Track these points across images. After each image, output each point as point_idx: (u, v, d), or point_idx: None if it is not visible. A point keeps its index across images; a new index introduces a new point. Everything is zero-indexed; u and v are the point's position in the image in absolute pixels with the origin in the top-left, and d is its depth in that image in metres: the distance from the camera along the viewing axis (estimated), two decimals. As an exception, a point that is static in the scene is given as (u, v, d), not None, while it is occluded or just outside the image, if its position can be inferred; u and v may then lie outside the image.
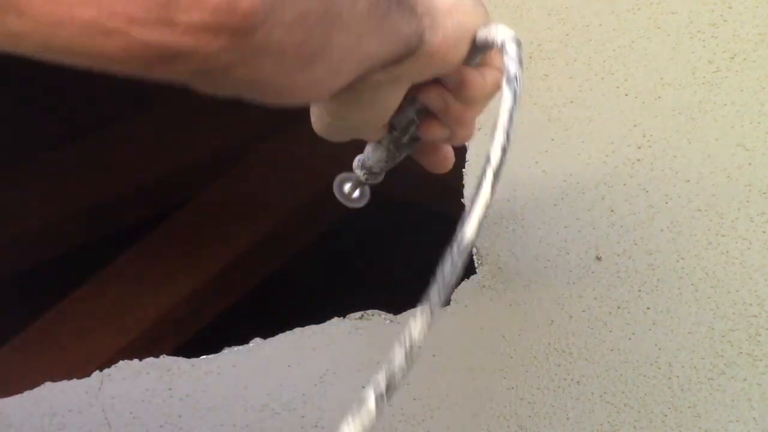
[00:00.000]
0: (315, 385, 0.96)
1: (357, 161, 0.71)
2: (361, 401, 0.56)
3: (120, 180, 2.13)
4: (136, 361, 1.01)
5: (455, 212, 0.99)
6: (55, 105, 2.20)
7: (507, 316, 0.93)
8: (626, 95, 0.97)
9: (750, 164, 0.91)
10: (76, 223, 2.11)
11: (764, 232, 0.89)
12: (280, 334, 1.00)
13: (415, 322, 0.57)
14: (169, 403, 1.00)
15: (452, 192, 1.00)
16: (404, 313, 0.95)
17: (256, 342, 1.01)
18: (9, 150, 2.09)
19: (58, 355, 1.89)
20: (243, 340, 1.01)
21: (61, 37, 0.44)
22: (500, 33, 0.64)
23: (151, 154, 2.15)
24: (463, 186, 0.98)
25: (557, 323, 0.92)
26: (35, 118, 2.19)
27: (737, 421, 0.85)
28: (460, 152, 1.01)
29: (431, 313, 0.57)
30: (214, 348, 1.02)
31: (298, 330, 1.00)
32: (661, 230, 0.92)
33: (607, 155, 0.95)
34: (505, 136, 0.64)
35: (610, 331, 0.90)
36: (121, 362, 1.02)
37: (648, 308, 0.90)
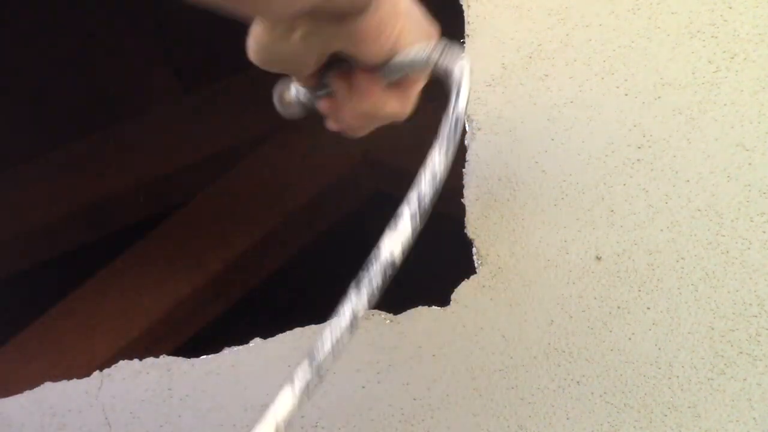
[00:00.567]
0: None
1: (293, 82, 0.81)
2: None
3: (120, 180, 2.13)
4: (136, 361, 1.01)
5: (455, 212, 0.99)
6: (55, 105, 2.20)
7: (507, 316, 0.93)
8: (626, 95, 0.97)
9: (750, 164, 0.91)
10: (76, 223, 2.11)
11: (764, 232, 0.89)
12: (280, 334, 1.00)
13: None
14: (169, 403, 1.00)
15: (452, 192, 1.00)
16: (404, 313, 0.95)
17: (256, 342, 1.01)
18: (9, 150, 2.09)
19: (58, 355, 1.90)
20: (243, 340, 1.01)
21: None
22: (453, 59, 0.67)
23: (151, 154, 2.15)
24: (463, 186, 0.98)
25: (557, 323, 0.92)
26: (35, 118, 2.20)
27: (737, 421, 0.85)
28: (460, 152, 1.01)
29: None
30: (214, 348, 1.02)
31: (298, 330, 1.00)
32: (661, 230, 0.92)
33: (607, 155, 0.95)
34: (432, 177, 0.68)
35: (610, 331, 0.90)
36: (121, 362, 1.02)
37: (648, 308, 0.90)
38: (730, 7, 0.96)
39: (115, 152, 2.16)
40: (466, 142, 1.01)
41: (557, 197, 0.96)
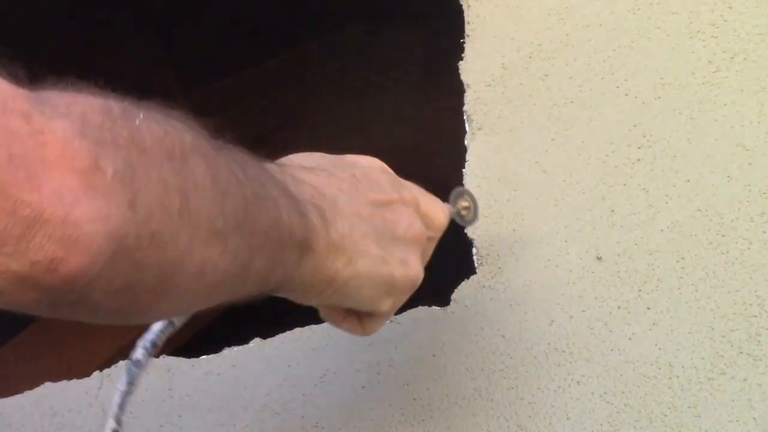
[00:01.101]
0: (315, 385, 0.96)
1: None
2: None
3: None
4: (136, 361, 1.01)
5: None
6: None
7: (507, 316, 0.93)
8: (626, 95, 0.97)
9: (750, 164, 0.91)
10: (76, 223, 2.10)
11: (764, 232, 0.89)
12: (280, 334, 1.00)
13: None
14: (169, 403, 1.00)
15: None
16: (404, 313, 0.95)
17: (256, 342, 1.01)
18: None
19: (58, 355, 1.89)
20: (243, 340, 1.01)
21: None
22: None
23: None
24: (462, 186, 0.97)
25: (557, 323, 0.92)
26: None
27: (737, 421, 0.85)
28: (461, 152, 1.01)
29: None
30: (214, 348, 1.02)
31: (298, 330, 1.00)
32: (661, 230, 0.92)
33: (607, 155, 0.95)
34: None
35: (610, 331, 0.90)
36: (121, 362, 1.02)
37: (648, 308, 0.90)
38: (730, 7, 0.96)
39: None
40: (466, 142, 1.01)
41: (557, 197, 0.96)
